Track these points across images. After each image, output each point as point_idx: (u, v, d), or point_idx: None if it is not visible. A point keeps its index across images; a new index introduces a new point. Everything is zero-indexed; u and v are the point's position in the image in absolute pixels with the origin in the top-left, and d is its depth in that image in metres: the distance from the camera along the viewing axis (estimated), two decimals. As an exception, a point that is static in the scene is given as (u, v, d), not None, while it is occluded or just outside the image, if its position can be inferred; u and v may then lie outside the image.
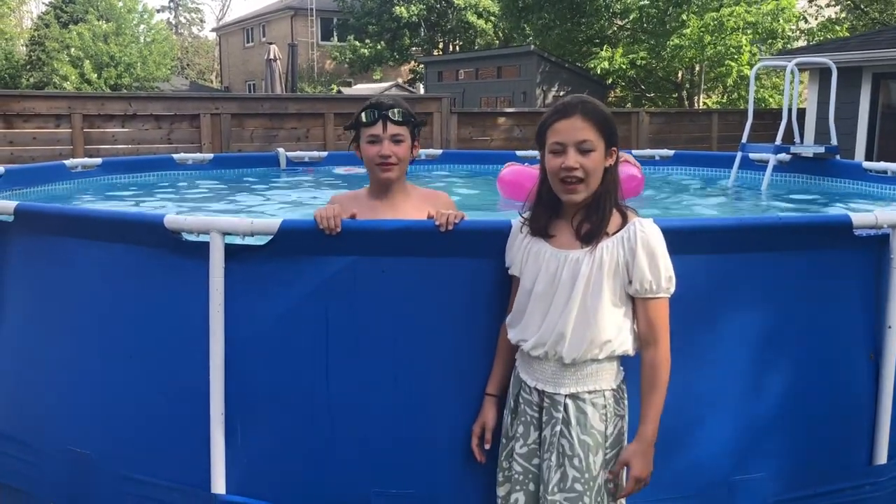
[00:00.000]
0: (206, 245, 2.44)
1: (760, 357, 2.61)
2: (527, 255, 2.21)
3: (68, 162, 5.63)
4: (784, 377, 2.64)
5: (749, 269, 2.58)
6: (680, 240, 2.32)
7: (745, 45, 18.37)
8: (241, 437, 2.50)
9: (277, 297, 2.49)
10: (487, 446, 2.37)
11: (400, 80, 31.82)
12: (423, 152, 7.33)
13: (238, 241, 2.48)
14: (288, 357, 2.49)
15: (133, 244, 2.63)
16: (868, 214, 2.58)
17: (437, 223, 2.38)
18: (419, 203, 2.66)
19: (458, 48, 32.84)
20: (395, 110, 2.61)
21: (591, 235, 2.11)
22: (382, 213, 2.64)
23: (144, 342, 2.63)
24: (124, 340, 2.66)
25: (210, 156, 6.64)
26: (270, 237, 2.43)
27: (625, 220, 2.13)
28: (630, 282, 2.10)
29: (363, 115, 2.62)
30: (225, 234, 2.43)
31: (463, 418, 2.43)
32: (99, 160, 5.97)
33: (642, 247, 2.08)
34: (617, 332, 2.13)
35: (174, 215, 2.48)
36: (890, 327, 2.65)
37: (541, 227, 2.19)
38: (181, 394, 2.57)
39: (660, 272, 2.09)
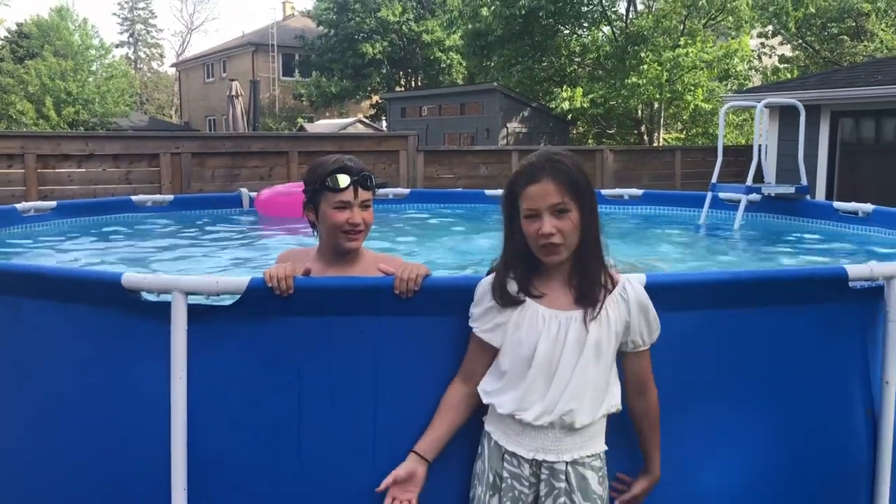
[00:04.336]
0: (167, 305, 2.25)
1: (754, 415, 2.50)
2: (520, 319, 2.05)
3: (20, 206, 5.41)
4: (780, 435, 2.52)
5: (743, 323, 2.47)
6: (670, 296, 2.29)
7: (703, 82, 18.76)
8: (206, 514, 2.29)
9: (245, 360, 2.31)
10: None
11: (362, 116, 31.80)
12: (390, 191, 7.24)
13: (202, 300, 2.30)
14: (257, 424, 2.31)
15: (87, 304, 2.43)
16: (863, 266, 2.50)
17: (396, 291, 2.23)
18: (371, 268, 2.47)
19: (420, 84, 32.98)
20: (366, 175, 2.45)
21: (592, 294, 2.02)
22: None
23: (99, 409, 2.41)
24: (78, 407, 2.44)
25: (170, 197, 6.47)
26: (238, 296, 2.26)
27: (608, 275, 2.08)
28: (628, 338, 2.09)
29: (330, 179, 2.42)
30: (188, 293, 2.25)
31: (449, 485, 2.26)
32: (53, 203, 5.75)
33: (639, 304, 2.10)
34: (615, 388, 2.12)
35: (133, 273, 2.30)
36: (888, 383, 2.55)
37: (528, 289, 2.05)
38: (140, 465, 2.35)
39: (652, 325, 2.13)
